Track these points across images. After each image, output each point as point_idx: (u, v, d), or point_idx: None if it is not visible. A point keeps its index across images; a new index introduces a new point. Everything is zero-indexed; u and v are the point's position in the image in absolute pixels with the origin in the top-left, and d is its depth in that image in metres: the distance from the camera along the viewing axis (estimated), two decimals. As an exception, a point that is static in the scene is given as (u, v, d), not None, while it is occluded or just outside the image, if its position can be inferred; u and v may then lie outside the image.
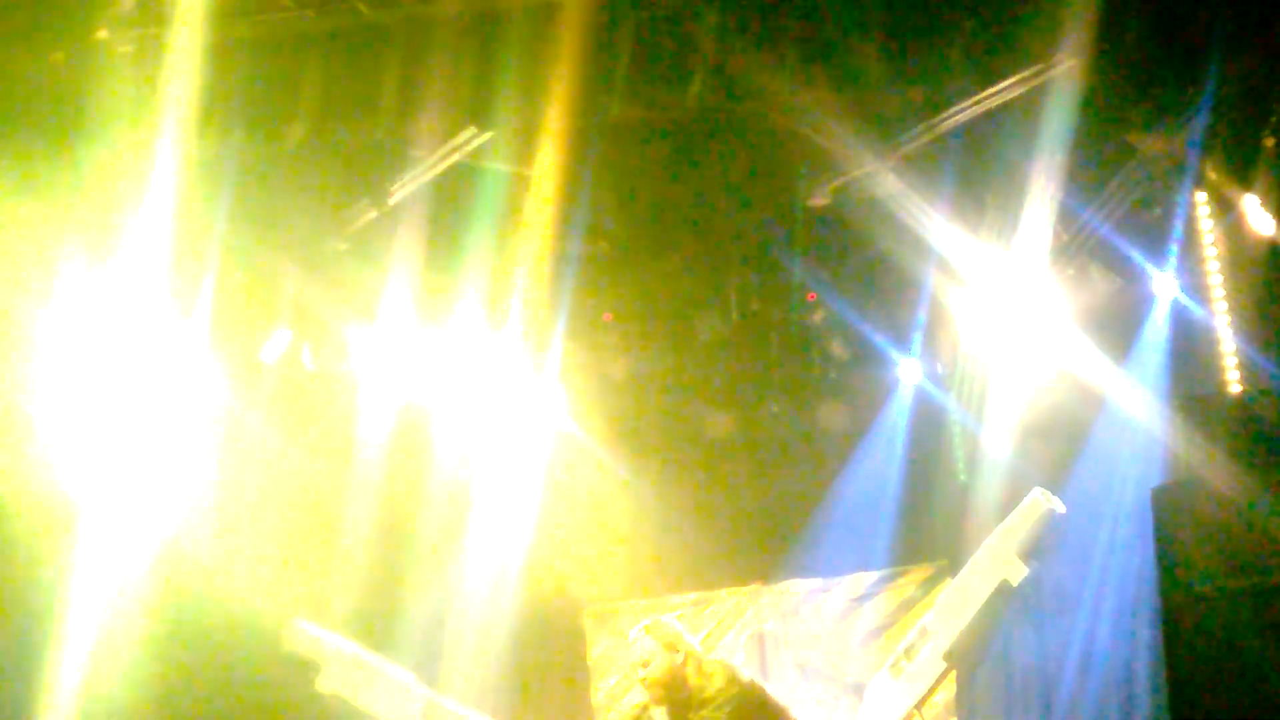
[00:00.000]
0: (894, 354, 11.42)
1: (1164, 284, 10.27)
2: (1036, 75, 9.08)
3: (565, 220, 10.04)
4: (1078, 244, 10.43)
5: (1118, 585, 10.48)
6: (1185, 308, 10.25)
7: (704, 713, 7.56)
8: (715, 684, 7.58)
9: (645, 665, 7.65)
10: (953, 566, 10.75)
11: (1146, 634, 10.10)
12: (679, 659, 7.61)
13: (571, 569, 11.80)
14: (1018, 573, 9.81)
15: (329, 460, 11.24)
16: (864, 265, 11.01)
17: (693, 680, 7.60)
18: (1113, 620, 10.54)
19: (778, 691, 7.98)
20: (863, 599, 11.44)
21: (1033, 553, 9.88)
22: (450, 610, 11.24)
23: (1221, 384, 10.14)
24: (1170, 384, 10.29)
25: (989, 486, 10.88)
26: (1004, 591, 9.85)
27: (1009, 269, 10.38)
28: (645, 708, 7.72)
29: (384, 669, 10.20)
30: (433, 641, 11.08)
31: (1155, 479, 9.85)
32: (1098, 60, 8.91)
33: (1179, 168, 9.68)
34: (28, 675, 9.97)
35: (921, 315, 11.16)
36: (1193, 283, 10.22)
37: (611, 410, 11.72)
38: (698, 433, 11.85)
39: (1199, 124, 9.26)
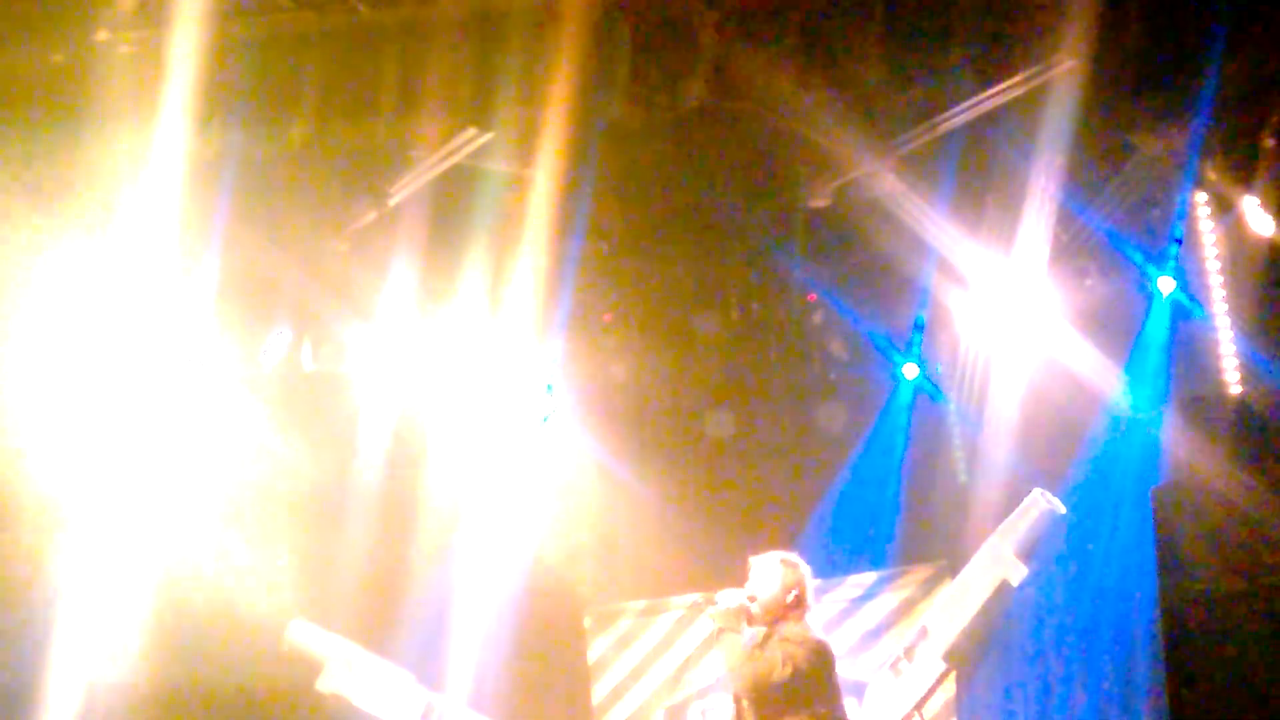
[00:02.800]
0: (894, 354, 11.42)
1: (1164, 284, 10.27)
2: (1036, 75, 9.09)
3: (565, 221, 10.04)
4: (1078, 244, 10.43)
5: (1117, 585, 10.47)
6: (1185, 308, 10.25)
7: (757, 653, 7.87)
8: (800, 630, 7.96)
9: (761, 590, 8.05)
10: (953, 566, 10.74)
11: (1146, 634, 10.10)
12: (786, 608, 7.98)
13: (571, 569, 11.80)
14: (1018, 573, 9.81)
15: (329, 460, 11.24)
16: (864, 265, 11.00)
17: (777, 630, 7.95)
18: (1112, 620, 10.54)
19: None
20: (863, 599, 11.42)
21: (1033, 553, 9.88)
22: (450, 610, 11.24)
23: (1221, 384, 10.14)
24: (1170, 384, 10.29)
25: (989, 486, 10.87)
26: (1004, 591, 9.85)
27: (1009, 269, 10.38)
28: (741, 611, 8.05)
29: (384, 669, 10.21)
30: (433, 642, 11.07)
31: (1155, 479, 9.85)
32: (1098, 60, 8.92)
33: (1179, 168, 9.68)
34: (29, 674, 9.98)
35: (921, 315, 11.15)
36: (1193, 283, 10.22)
37: (611, 410, 11.72)
38: (698, 433, 11.84)
39: (1199, 124, 9.26)
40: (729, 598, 8.11)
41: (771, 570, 8.14)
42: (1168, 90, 9.23)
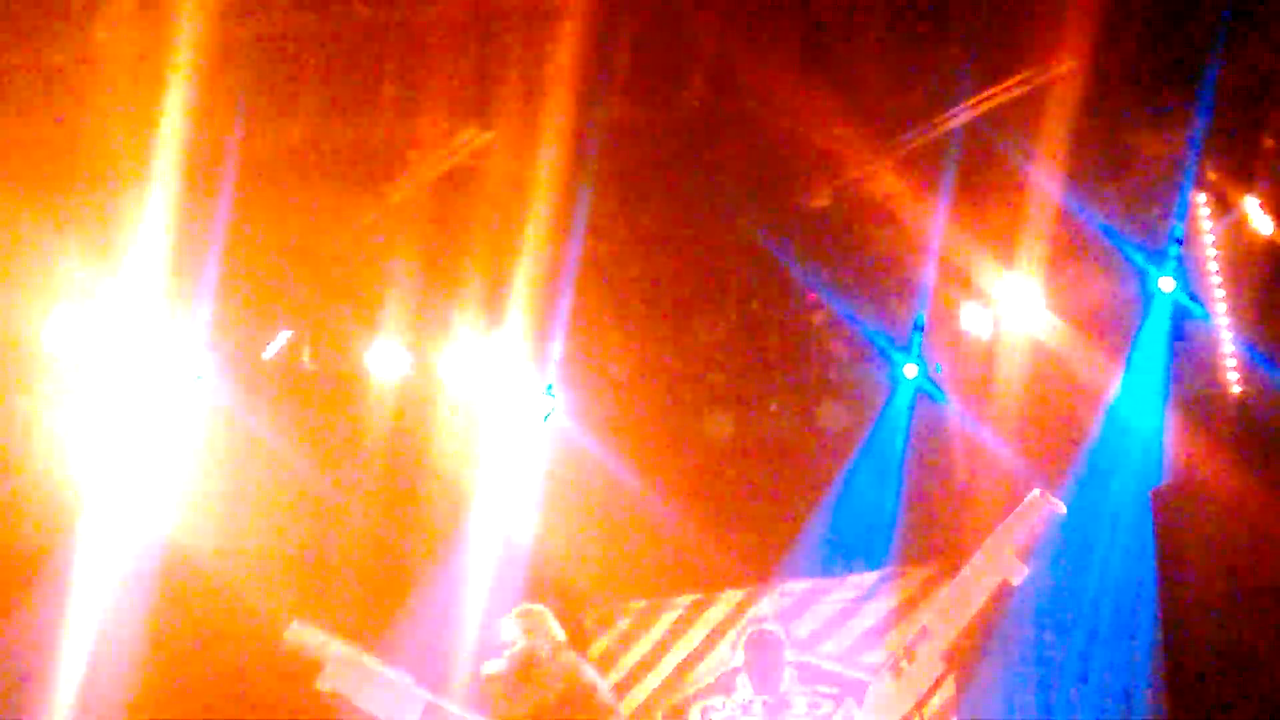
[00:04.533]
0: (894, 354, 11.42)
1: (1164, 284, 10.27)
2: (1036, 75, 9.09)
3: (565, 220, 10.04)
4: (1078, 244, 10.43)
5: (1117, 586, 10.48)
6: (1185, 308, 10.25)
7: (536, 694, 8.24)
8: (554, 670, 8.27)
9: (512, 644, 8.35)
10: (953, 566, 10.73)
11: (1146, 634, 10.10)
12: (540, 643, 8.29)
13: (571, 569, 11.79)
14: (1018, 573, 9.80)
15: (329, 460, 11.24)
16: (864, 265, 11.00)
17: (545, 665, 8.29)
18: (1112, 620, 10.54)
19: (609, 698, 8.50)
20: (863, 599, 11.43)
21: (1033, 553, 9.87)
22: (450, 610, 11.24)
23: (1221, 384, 10.14)
24: (1170, 384, 10.29)
25: (989, 486, 10.86)
26: (1004, 591, 9.84)
27: (1009, 269, 10.38)
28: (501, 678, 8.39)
29: (384, 669, 10.20)
30: (433, 642, 11.07)
31: (1155, 479, 9.85)
32: (1098, 60, 8.92)
33: (1179, 168, 9.68)
34: (29, 674, 9.98)
35: (921, 315, 11.15)
36: (1193, 283, 10.22)
37: (611, 410, 11.72)
38: (698, 433, 11.84)
39: (1199, 124, 9.27)
40: (488, 668, 8.45)
41: (513, 627, 8.42)
42: (1168, 90, 9.23)
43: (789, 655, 11.35)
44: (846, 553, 11.53)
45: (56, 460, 10.07)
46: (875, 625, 11.36)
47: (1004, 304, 10.63)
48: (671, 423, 11.84)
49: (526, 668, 8.27)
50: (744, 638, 11.45)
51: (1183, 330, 10.32)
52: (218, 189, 9.37)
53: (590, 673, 8.38)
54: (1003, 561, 9.79)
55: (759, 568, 11.73)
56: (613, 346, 11.56)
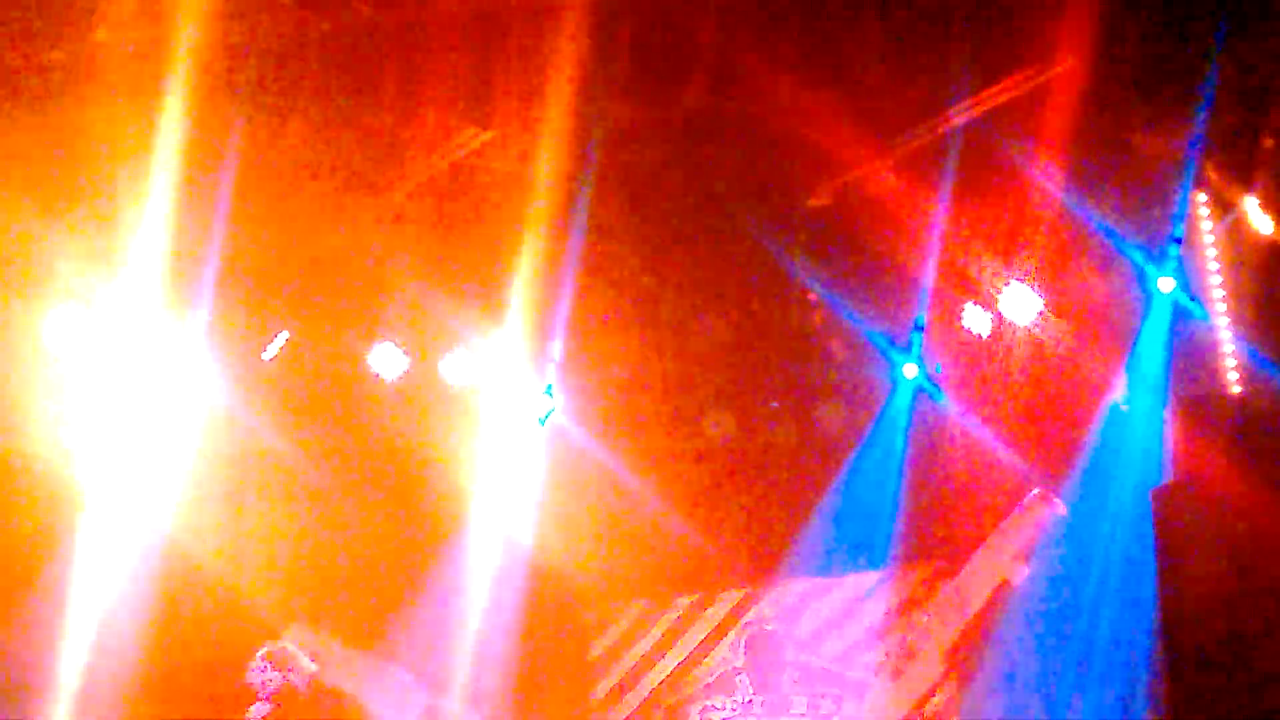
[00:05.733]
0: (894, 354, 11.42)
1: (1164, 284, 10.27)
2: (1037, 75, 9.09)
3: (566, 220, 10.04)
4: (1078, 244, 10.43)
5: (1117, 586, 10.48)
6: (1185, 308, 10.25)
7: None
8: (318, 701, 8.83)
9: (265, 686, 8.86)
10: (953, 566, 10.74)
11: (1146, 634, 10.10)
12: (296, 679, 8.82)
13: (571, 569, 11.80)
14: (1018, 573, 9.82)
15: (329, 460, 11.24)
16: (864, 265, 11.00)
17: (306, 699, 8.84)
18: (1112, 620, 10.54)
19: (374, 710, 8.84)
20: (863, 599, 11.44)
21: (1032, 553, 9.88)
22: (451, 611, 11.25)
23: (1221, 384, 10.14)
24: (1170, 384, 10.29)
25: (989, 486, 10.87)
26: (1004, 591, 9.85)
27: (1006, 269, 10.38)
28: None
29: (384, 670, 10.21)
30: (433, 642, 11.08)
31: (1155, 479, 9.85)
32: (1098, 60, 8.92)
33: (1179, 168, 9.69)
34: (29, 673, 9.98)
35: (921, 315, 11.15)
36: (1193, 283, 10.22)
37: (611, 410, 11.72)
38: (698, 433, 11.84)
39: (1199, 124, 9.27)
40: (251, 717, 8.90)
41: (264, 670, 8.89)
42: (1168, 90, 9.23)
43: (789, 655, 11.35)
44: (846, 553, 11.53)
45: (56, 460, 10.07)
46: (875, 625, 11.36)
47: (1004, 304, 10.63)
48: (671, 423, 11.85)
49: (289, 706, 8.61)
50: (744, 638, 11.45)
51: (1183, 330, 10.31)
52: (217, 189, 9.37)
53: (352, 700, 8.65)
54: (1003, 561, 9.83)
55: (759, 568, 11.74)
56: (613, 346, 11.56)
